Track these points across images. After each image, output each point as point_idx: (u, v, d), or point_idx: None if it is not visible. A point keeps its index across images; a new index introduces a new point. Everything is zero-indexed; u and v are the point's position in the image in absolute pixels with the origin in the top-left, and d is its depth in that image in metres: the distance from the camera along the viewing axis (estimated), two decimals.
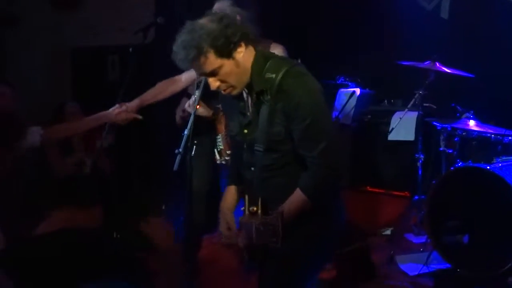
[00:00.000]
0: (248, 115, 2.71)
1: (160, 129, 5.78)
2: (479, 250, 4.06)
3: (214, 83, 2.60)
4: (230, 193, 2.96)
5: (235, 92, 2.64)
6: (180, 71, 3.74)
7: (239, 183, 2.92)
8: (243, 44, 2.56)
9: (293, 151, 2.62)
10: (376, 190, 5.41)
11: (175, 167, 3.10)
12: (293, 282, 2.69)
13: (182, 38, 2.52)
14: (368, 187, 5.47)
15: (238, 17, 2.76)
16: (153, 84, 4.08)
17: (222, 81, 2.59)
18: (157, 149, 5.91)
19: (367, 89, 5.73)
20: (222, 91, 2.64)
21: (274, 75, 2.57)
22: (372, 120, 5.56)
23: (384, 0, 5.83)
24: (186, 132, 3.20)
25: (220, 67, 2.54)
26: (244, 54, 2.57)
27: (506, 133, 4.30)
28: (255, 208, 2.61)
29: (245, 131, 2.72)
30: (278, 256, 2.61)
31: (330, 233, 2.74)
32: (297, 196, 2.60)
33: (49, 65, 6.46)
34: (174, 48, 2.54)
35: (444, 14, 5.63)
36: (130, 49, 4.02)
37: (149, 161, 6.15)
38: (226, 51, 2.52)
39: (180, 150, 3.14)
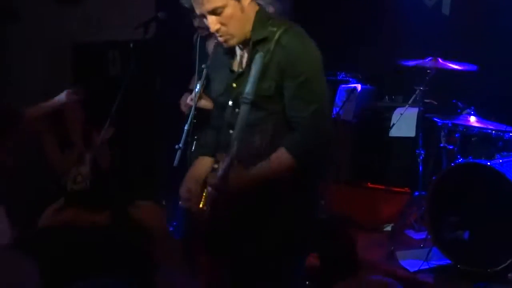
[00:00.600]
0: (239, 72, 2.59)
1: (160, 124, 5.77)
2: (479, 246, 4.06)
3: (214, 25, 2.46)
4: (201, 163, 2.74)
5: (231, 43, 2.53)
6: (180, 66, 3.74)
7: (213, 153, 2.70)
8: None
9: (280, 112, 2.49)
10: (377, 186, 5.40)
11: (175, 162, 3.08)
12: (284, 279, 2.61)
13: None
14: (368, 183, 5.46)
15: None
16: (154, 79, 4.08)
17: (222, 24, 2.46)
18: (157, 144, 5.91)
19: (368, 85, 5.72)
20: (219, 37, 2.51)
21: (275, 29, 2.48)
22: (373, 116, 5.55)
23: None
24: (186, 127, 3.19)
25: (224, 6, 2.42)
26: (250, 5, 2.49)
27: (507, 129, 4.30)
28: (216, 166, 2.54)
29: (234, 84, 2.58)
30: (261, 257, 2.55)
31: (308, 224, 2.64)
32: (281, 153, 2.45)
33: (50, 61, 6.44)
34: None
35: (446, 10, 5.61)
36: (131, 44, 4.02)
37: (149, 156, 6.14)
38: None
39: (181, 145, 3.14)
